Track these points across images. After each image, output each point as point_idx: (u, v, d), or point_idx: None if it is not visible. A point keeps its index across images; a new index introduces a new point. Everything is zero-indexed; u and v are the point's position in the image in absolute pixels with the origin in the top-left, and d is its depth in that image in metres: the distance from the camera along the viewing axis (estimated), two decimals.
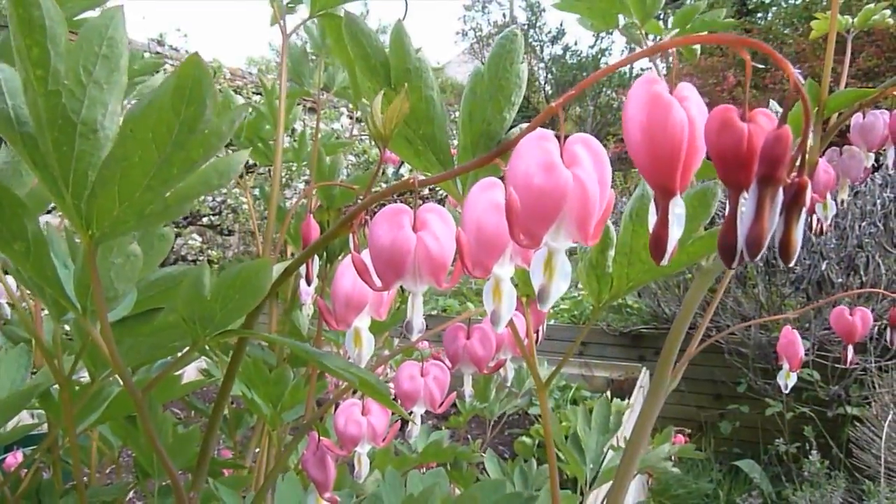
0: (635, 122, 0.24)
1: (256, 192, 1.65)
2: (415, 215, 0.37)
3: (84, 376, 0.73)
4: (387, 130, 0.41)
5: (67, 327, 0.71)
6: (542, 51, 15.42)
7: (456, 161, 0.59)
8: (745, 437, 3.43)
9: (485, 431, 2.52)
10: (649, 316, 4.12)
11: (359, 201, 0.73)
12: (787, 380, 0.77)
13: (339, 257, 0.63)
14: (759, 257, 0.22)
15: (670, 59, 0.39)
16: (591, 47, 15.16)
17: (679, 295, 3.83)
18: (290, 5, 0.88)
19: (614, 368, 3.50)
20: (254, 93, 6.21)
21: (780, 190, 0.21)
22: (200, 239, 6.50)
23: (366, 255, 0.39)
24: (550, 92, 15.53)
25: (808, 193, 0.21)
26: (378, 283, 0.37)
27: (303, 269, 0.68)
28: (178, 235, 5.95)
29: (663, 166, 0.24)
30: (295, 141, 1.49)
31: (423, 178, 0.37)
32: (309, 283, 0.58)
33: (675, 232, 0.25)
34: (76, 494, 0.83)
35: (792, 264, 0.23)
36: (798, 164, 0.21)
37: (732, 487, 2.99)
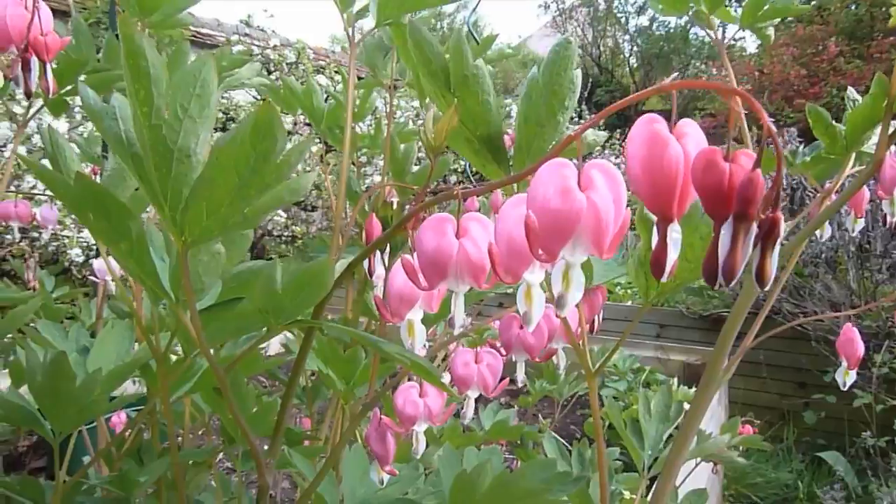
0: (636, 158, 0.27)
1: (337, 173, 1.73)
2: (458, 223, 0.41)
3: (180, 351, 0.81)
4: (437, 142, 0.45)
5: (162, 309, 0.79)
6: (627, 22, 14.94)
7: (512, 159, 0.62)
8: (831, 427, 3.30)
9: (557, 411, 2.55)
10: (731, 299, 4.00)
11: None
12: (846, 378, 0.76)
13: (401, 251, 0.68)
14: (734, 283, 0.24)
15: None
16: (679, 18, 14.56)
17: None
18: (359, 12, 0.93)
19: (691, 352, 3.43)
20: (335, 71, 6.37)
21: (754, 225, 0.24)
22: (285, 215, 6.77)
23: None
24: (636, 65, 15.05)
25: (781, 227, 0.24)
26: (424, 283, 0.41)
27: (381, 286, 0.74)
28: None
29: (662, 197, 0.27)
30: (372, 127, 1.55)
31: (466, 188, 0.41)
32: (371, 275, 0.63)
33: (673, 253, 0.28)
34: (171, 454, 0.93)
35: (766, 289, 0.25)
36: (774, 200, 0.24)
37: (814, 479, 2.90)
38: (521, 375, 0.70)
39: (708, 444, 1.04)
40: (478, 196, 0.82)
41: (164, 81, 0.33)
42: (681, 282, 0.59)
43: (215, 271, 0.47)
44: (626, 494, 1.84)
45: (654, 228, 0.28)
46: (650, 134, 0.27)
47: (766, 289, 0.25)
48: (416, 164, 1.30)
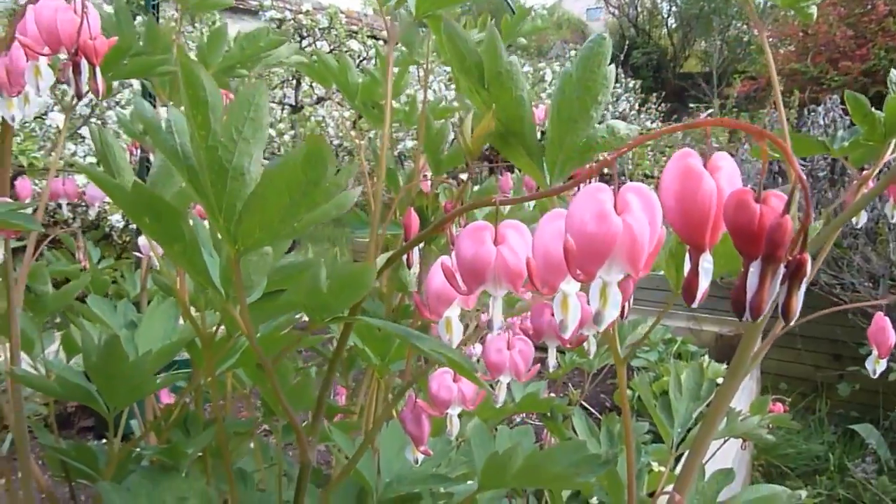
0: (670, 192, 0.28)
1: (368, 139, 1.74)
2: (496, 230, 0.42)
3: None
4: (474, 147, 0.46)
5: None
6: None
7: (545, 154, 0.63)
8: (865, 400, 3.27)
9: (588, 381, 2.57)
10: None
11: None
12: (877, 366, 0.77)
13: (434, 242, 0.70)
14: (762, 316, 0.26)
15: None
16: None
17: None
18: (398, 1, 0.93)
19: (724, 323, 3.41)
20: (368, 35, 6.33)
21: (782, 266, 0.25)
22: None
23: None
24: (674, 25, 14.61)
25: (808, 268, 0.25)
26: (463, 288, 0.43)
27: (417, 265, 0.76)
28: None
29: (694, 229, 0.28)
30: (407, 103, 1.55)
31: (505, 196, 0.42)
32: (410, 267, 0.65)
33: (704, 282, 0.29)
34: (216, 425, 0.98)
35: (791, 324, 0.26)
36: (802, 242, 0.25)
37: (846, 451, 2.89)
38: (552, 361, 0.72)
39: (737, 424, 1.05)
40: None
41: (220, 108, 0.35)
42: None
43: (263, 270, 0.50)
44: (655, 466, 1.87)
45: (687, 256, 0.30)
46: (684, 168, 0.28)
47: (791, 324, 0.26)
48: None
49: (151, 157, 1.04)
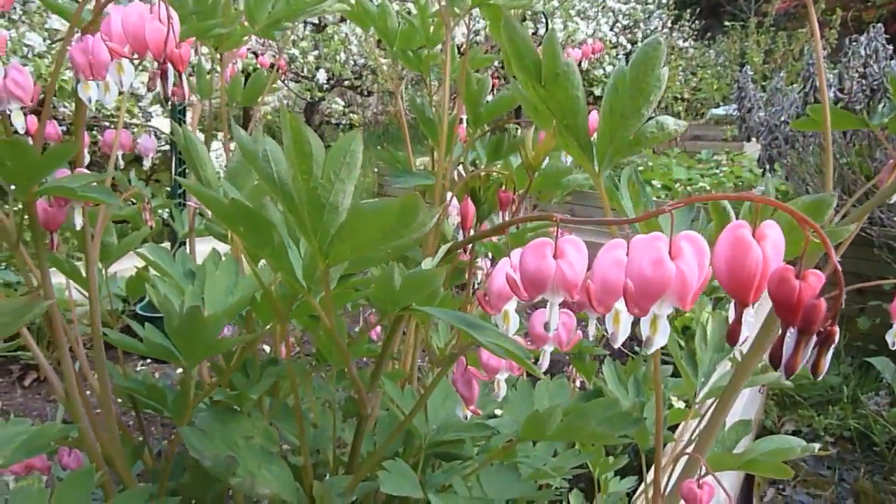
0: (722, 257, 0.33)
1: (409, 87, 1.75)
2: (556, 246, 0.47)
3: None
4: (535, 162, 0.50)
5: None
6: None
7: (595, 144, 0.67)
8: (884, 334, 3.32)
9: None
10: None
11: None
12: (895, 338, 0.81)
13: (488, 217, 0.75)
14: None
15: None
16: None
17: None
18: None
19: None
20: None
21: (815, 335, 0.30)
22: (343, 103, 6.79)
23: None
24: None
25: (836, 338, 0.30)
26: (525, 295, 0.48)
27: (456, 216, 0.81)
28: (322, 99, 6.26)
29: (740, 289, 0.33)
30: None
31: (566, 217, 0.47)
32: (466, 252, 0.70)
33: (746, 330, 0.34)
34: (270, 368, 1.06)
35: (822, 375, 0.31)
36: (833, 317, 0.30)
37: (860, 384, 2.97)
38: (591, 330, 0.78)
39: (760, 377, 1.11)
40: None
41: (321, 157, 0.40)
42: None
43: (340, 266, 0.55)
44: (675, 401, 1.96)
45: (732, 306, 0.35)
46: (735, 238, 0.33)
47: (819, 379, 0.31)
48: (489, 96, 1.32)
49: (188, 113, 1.08)
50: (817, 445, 0.90)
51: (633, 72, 0.60)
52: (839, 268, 0.29)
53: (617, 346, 0.45)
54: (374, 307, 1.21)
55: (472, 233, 0.69)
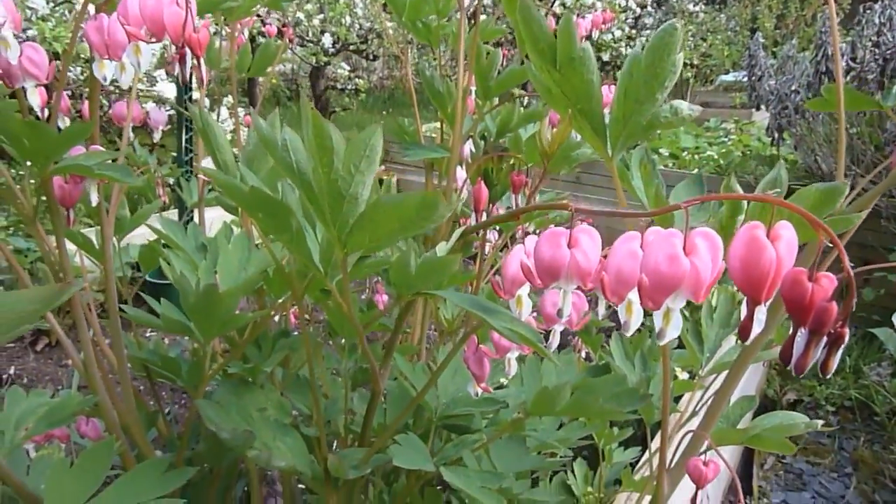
0: (737, 256, 0.34)
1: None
2: (570, 235, 0.48)
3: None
4: (550, 150, 0.50)
5: None
6: None
7: (608, 130, 0.67)
8: (888, 305, 3.33)
9: None
10: (803, 171, 3.90)
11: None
12: None
13: (501, 198, 0.75)
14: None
15: None
16: None
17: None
18: None
19: None
20: None
21: (825, 336, 0.31)
22: (349, 68, 6.72)
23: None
24: None
25: (846, 339, 0.31)
26: (539, 282, 0.49)
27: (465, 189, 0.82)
28: (327, 64, 6.19)
29: (754, 288, 0.34)
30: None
31: (579, 206, 0.47)
32: (478, 212, 0.71)
33: (757, 328, 0.35)
34: (282, 340, 1.08)
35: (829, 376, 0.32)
36: (843, 319, 0.31)
37: (862, 354, 2.99)
38: (601, 311, 0.79)
39: (765, 353, 1.12)
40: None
41: (342, 150, 0.41)
42: None
43: (358, 253, 0.56)
44: (679, 372, 1.98)
45: (745, 303, 0.36)
46: (750, 237, 0.34)
47: (828, 377, 0.32)
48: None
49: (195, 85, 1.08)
50: (820, 422, 0.92)
51: (648, 57, 0.60)
52: (851, 273, 0.30)
53: (629, 334, 0.46)
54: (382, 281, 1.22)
55: (484, 216, 0.70)
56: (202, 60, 0.58)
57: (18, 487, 0.80)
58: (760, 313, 0.35)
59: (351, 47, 6.36)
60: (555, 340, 0.78)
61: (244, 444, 0.75)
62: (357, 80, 6.56)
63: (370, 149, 0.42)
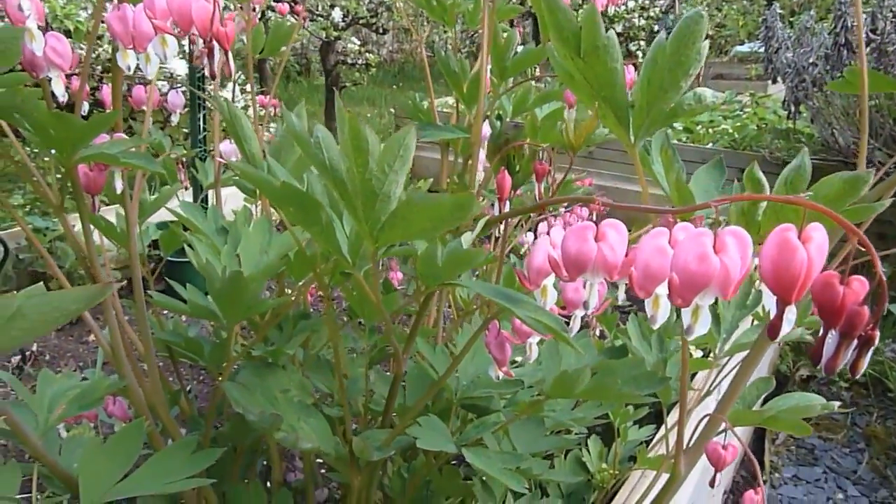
0: (769, 258, 0.34)
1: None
2: (597, 229, 0.49)
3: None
4: (577, 143, 0.51)
5: None
6: None
7: (631, 117, 0.67)
8: None
9: None
10: (819, 145, 3.84)
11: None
12: None
13: (523, 185, 0.76)
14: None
15: None
16: None
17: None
18: None
19: None
20: None
21: (855, 339, 0.31)
22: (359, 43, 6.66)
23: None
24: None
25: (875, 341, 0.31)
26: (566, 275, 0.50)
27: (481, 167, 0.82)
28: (337, 38, 6.13)
29: (785, 288, 0.34)
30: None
31: (606, 200, 0.48)
32: (502, 202, 0.71)
33: (787, 328, 0.36)
34: (303, 322, 1.10)
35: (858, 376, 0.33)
36: (875, 321, 0.31)
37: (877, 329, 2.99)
38: (621, 295, 0.79)
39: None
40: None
41: (377, 152, 0.41)
42: None
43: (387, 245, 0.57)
44: (692, 350, 1.99)
45: (774, 303, 0.36)
46: (782, 240, 0.34)
47: (857, 377, 0.33)
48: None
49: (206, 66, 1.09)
50: (837, 403, 0.93)
51: (673, 45, 0.60)
52: (883, 278, 0.31)
53: (656, 327, 0.47)
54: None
55: (507, 205, 0.70)
56: (230, 54, 0.59)
57: (53, 466, 0.82)
58: (790, 313, 0.35)
59: (361, 21, 6.29)
60: (576, 325, 0.79)
61: (272, 426, 0.77)
62: (367, 54, 6.50)
63: (404, 148, 0.43)
